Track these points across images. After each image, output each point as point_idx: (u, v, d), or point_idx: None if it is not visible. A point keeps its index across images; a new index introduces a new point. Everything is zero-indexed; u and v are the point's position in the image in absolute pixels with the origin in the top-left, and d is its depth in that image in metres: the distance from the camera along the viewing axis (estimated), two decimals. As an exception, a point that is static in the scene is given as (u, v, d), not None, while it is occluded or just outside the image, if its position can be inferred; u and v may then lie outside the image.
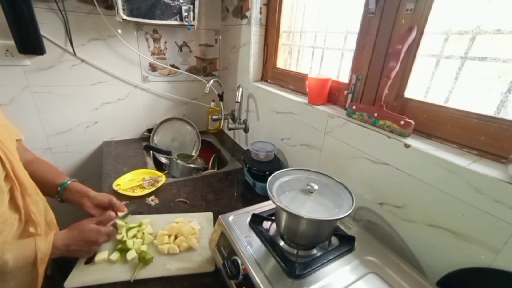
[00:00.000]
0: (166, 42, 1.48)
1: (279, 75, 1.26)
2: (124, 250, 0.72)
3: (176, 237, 0.78)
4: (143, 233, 0.78)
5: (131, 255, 0.70)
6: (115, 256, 0.70)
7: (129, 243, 0.73)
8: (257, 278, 0.52)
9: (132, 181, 1.09)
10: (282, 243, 0.63)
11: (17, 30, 1.06)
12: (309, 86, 0.94)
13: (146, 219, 0.85)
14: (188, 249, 0.76)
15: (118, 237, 0.74)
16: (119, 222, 0.76)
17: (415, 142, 0.64)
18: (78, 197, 0.76)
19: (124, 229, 0.76)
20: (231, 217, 0.70)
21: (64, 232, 0.67)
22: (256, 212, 0.71)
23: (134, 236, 0.77)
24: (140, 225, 0.80)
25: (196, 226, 0.83)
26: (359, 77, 0.83)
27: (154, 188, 1.03)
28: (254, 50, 1.30)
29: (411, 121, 0.66)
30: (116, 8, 1.13)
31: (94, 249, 0.70)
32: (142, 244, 0.75)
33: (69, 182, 0.77)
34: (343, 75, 0.95)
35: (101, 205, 0.78)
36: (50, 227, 0.70)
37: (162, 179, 1.09)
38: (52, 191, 0.75)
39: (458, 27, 0.61)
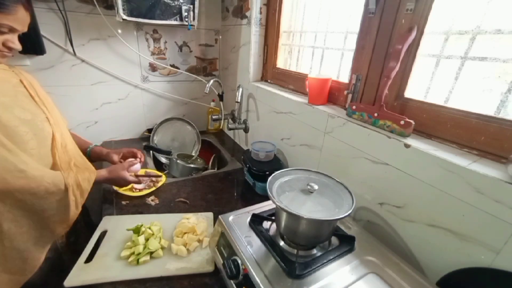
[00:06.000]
0: (166, 42, 1.48)
1: (279, 75, 1.26)
2: (145, 252, 0.72)
3: (183, 235, 0.79)
4: (154, 231, 0.79)
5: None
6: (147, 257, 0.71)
7: (155, 243, 0.74)
8: (257, 278, 0.52)
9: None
10: (282, 243, 0.63)
11: (17, 30, 1.06)
12: (309, 86, 0.94)
13: (152, 219, 0.85)
14: (194, 249, 0.76)
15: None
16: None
17: (415, 142, 0.64)
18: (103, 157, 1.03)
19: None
20: (231, 217, 0.70)
21: (105, 175, 0.88)
22: (256, 212, 0.71)
23: (153, 235, 0.77)
24: (150, 226, 0.80)
25: (204, 223, 0.84)
26: (359, 77, 0.83)
27: (154, 188, 1.03)
28: (254, 50, 1.30)
29: (411, 121, 0.66)
30: (116, 8, 1.13)
31: (124, 185, 0.95)
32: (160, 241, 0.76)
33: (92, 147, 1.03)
34: (343, 75, 0.95)
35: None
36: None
37: (162, 179, 1.09)
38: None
39: (458, 27, 0.61)
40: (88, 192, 0.79)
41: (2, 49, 0.68)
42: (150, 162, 1.33)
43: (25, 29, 0.70)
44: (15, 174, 0.64)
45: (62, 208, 0.73)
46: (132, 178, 0.93)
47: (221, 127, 1.78)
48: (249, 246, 0.61)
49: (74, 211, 0.76)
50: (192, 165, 1.32)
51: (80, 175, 0.77)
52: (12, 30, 0.67)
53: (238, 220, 0.69)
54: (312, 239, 0.61)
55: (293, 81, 1.16)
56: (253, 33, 1.26)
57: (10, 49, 0.69)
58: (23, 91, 0.76)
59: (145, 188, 1.03)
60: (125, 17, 1.15)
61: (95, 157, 1.02)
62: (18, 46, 0.70)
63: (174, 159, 1.29)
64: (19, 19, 0.67)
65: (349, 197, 0.59)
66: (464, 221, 0.55)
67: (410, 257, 0.66)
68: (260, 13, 1.24)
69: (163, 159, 1.50)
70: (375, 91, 0.78)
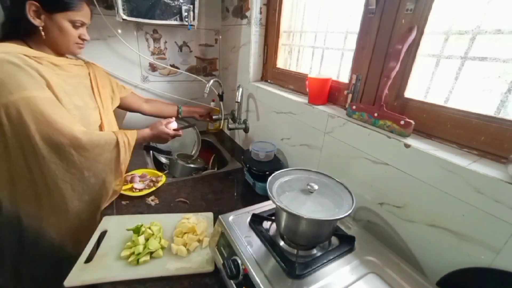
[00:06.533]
0: (166, 42, 1.48)
1: (279, 75, 1.26)
2: (145, 252, 0.72)
3: (183, 235, 0.79)
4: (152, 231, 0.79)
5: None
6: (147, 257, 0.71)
7: (155, 243, 0.74)
8: (257, 278, 0.52)
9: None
10: (282, 243, 0.63)
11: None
12: (309, 86, 0.94)
13: (152, 219, 0.85)
14: (194, 249, 0.76)
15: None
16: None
17: (415, 142, 0.64)
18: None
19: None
20: (231, 217, 0.70)
21: (148, 131, 1.06)
22: (256, 212, 0.71)
23: (153, 235, 0.77)
24: (150, 227, 0.80)
25: (204, 223, 0.84)
26: (359, 77, 0.83)
27: (154, 188, 1.03)
28: (254, 50, 1.30)
29: (411, 121, 0.66)
30: (116, 8, 1.13)
31: (164, 140, 1.13)
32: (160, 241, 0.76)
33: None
34: (343, 75, 0.95)
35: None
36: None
37: (162, 179, 1.09)
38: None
39: (458, 27, 0.61)
40: (133, 146, 0.95)
41: (78, 42, 0.87)
42: (150, 162, 1.33)
43: (89, 22, 0.88)
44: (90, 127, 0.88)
45: (116, 153, 0.91)
46: (173, 132, 1.10)
47: (221, 127, 1.78)
48: (249, 246, 0.61)
49: (124, 156, 0.92)
50: (192, 165, 1.32)
51: (126, 132, 0.95)
52: (83, 24, 0.85)
53: (238, 220, 0.69)
54: (312, 239, 0.61)
55: (293, 81, 1.16)
56: (253, 33, 1.27)
57: (83, 40, 0.88)
58: (86, 83, 0.95)
59: (145, 188, 1.03)
60: (125, 17, 1.15)
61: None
62: (88, 37, 0.89)
63: (174, 159, 1.29)
64: (86, 14, 0.85)
65: (349, 197, 0.59)
66: (464, 221, 0.55)
67: (410, 257, 0.66)
68: (260, 13, 1.24)
69: (163, 159, 1.49)
70: (375, 91, 0.78)
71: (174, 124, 1.13)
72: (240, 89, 1.31)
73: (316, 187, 0.60)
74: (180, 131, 1.14)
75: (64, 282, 0.64)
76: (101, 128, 0.96)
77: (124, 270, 0.68)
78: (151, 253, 0.72)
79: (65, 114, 0.81)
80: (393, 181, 0.68)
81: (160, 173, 1.13)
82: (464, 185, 0.53)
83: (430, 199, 0.60)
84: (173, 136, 1.12)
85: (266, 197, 0.64)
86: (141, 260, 0.70)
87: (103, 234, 0.80)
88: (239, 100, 1.32)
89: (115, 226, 0.83)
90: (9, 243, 0.89)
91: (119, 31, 1.32)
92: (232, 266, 0.57)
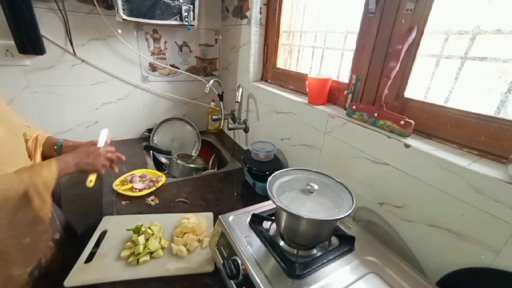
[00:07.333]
0: (166, 42, 1.48)
1: (279, 75, 1.26)
2: (145, 252, 0.72)
3: (183, 235, 0.79)
4: (153, 231, 0.79)
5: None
6: (147, 257, 0.71)
7: (155, 243, 0.74)
8: (257, 278, 0.52)
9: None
10: (282, 243, 0.63)
11: (17, 30, 1.06)
12: (309, 86, 0.94)
13: (152, 219, 0.85)
14: (194, 249, 0.76)
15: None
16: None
17: (415, 142, 0.64)
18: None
19: None
20: (231, 217, 0.70)
21: (70, 154, 0.74)
22: (256, 212, 0.71)
23: (153, 235, 0.77)
24: (150, 226, 0.80)
25: (204, 223, 0.84)
26: (359, 77, 0.83)
27: (154, 188, 1.03)
28: (254, 50, 1.30)
29: (411, 121, 0.66)
30: (116, 8, 1.13)
31: (99, 161, 0.78)
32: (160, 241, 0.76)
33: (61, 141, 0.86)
34: (343, 75, 0.95)
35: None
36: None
37: (162, 179, 1.09)
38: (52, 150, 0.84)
39: (458, 27, 0.61)
40: (52, 188, 0.67)
41: None
42: (150, 162, 1.33)
43: None
44: None
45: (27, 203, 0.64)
46: (105, 148, 0.83)
47: (221, 127, 1.78)
48: (249, 246, 0.61)
49: (38, 204, 0.65)
50: (192, 165, 1.32)
51: (38, 175, 0.65)
52: None
53: (238, 220, 0.69)
54: (312, 239, 0.61)
55: (293, 81, 1.16)
56: (253, 33, 1.26)
57: None
58: None
59: (145, 188, 1.03)
60: (125, 17, 1.15)
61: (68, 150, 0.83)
62: None
63: (174, 159, 1.29)
64: None
65: (349, 197, 0.59)
66: (464, 221, 0.55)
67: (410, 257, 0.66)
68: (260, 13, 1.24)
69: (163, 159, 1.49)
70: (375, 91, 0.78)
71: (102, 139, 0.87)
72: (240, 89, 1.31)
73: (316, 187, 0.60)
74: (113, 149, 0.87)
75: (64, 282, 0.64)
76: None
77: (124, 270, 0.68)
78: (151, 253, 0.72)
79: None
80: (393, 181, 0.68)
81: (160, 173, 1.13)
82: (464, 185, 0.53)
83: (430, 199, 0.60)
84: (109, 159, 0.84)
85: (266, 197, 0.64)
86: (141, 260, 0.70)
87: (103, 234, 0.80)
88: (239, 100, 1.32)
89: (115, 226, 0.83)
90: None
91: (119, 31, 1.32)
92: (232, 266, 0.57)
